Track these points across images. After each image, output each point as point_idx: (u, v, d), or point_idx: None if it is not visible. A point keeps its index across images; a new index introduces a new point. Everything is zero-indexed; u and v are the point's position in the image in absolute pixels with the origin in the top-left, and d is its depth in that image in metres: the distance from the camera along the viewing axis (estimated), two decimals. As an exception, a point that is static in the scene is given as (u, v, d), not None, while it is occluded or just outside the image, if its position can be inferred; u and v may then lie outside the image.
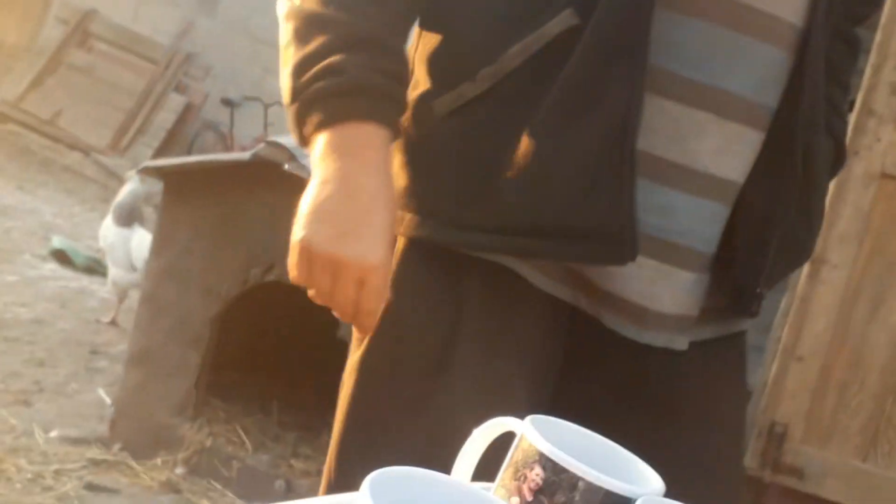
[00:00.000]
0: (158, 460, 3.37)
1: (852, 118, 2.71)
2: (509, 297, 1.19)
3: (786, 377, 2.70)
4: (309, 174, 3.32)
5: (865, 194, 2.66)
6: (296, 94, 1.13)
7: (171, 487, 3.25)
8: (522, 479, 0.75)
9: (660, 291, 1.16)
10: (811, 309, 2.68)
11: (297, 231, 1.13)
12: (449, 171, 1.17)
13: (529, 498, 0.75)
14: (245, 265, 3.25)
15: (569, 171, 1.10)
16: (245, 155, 3.19)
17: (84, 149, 8.63)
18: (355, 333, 1.26)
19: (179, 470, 3.34)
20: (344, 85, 1.09)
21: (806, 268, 2.69)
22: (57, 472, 3.14)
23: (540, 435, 0.75)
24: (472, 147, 1.15)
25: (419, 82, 1.20)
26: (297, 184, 3.28)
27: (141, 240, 4.49)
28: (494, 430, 0.83)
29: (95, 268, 5.61)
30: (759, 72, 1.16)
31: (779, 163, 1.18)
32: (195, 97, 9.11)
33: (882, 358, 2.64)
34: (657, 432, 1.19)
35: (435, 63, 1.18)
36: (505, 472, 0.77)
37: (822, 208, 1.29)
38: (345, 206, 1.10)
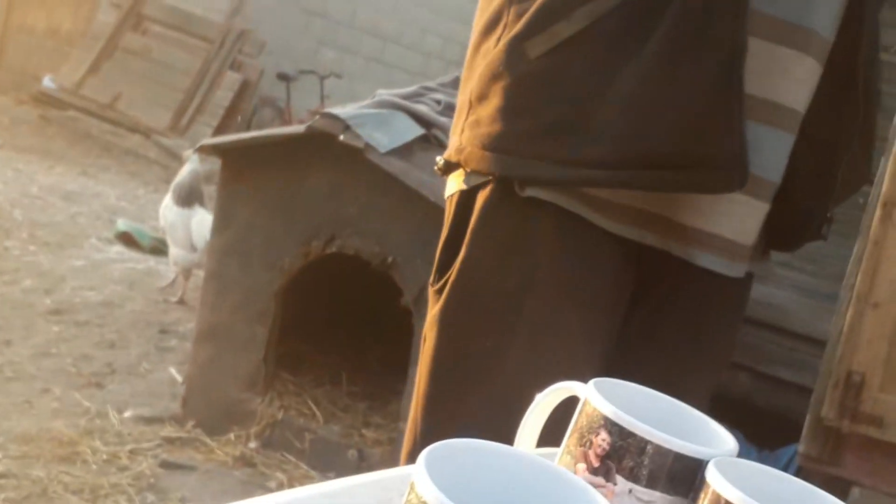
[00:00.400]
0: (231, 435, 3.40)
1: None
2: (581, 246, 1.22)
3: (861, 325, 2.63)
4: (364, 144, 3.33)
5: (937, 131, 2.57)
6: None
7: (245, 462, 3.28)
8: (588, 444, 0.73)
9: (747, 225, 1.21)
10: (885, 254, 2.60)
11: None
12: (547, 110, 1.18)
13: (596, 464, 0.72)
14: (306, 238, 3.25)
15: (682, 102, 1.12)
16: (300, 128, 3.18)
17: (144, 131, 8.72)
18: (432, 288, 1.30)
19: (253, 444, 3.37)
20: None
21: (878, 211, 2.61)
22: (132, 452, 3.18)
23: (604, 398, 0.73)
24: (571, 86, 1.17)
25: (509, 25, 1.21)
26: (353, 154, 3.30)
27: (201, 220, 4.54)
28: (557, 396, 0.81)
29: (161, 248, 5.67)
30: (829, 8, 1.20)
31: (843, 95, 1.22)
32: (251, 73, 9.15)
33: (960, 300, 2.56)
34: (681, 345, 1.32)
35: (524, 5, 1.20)
36: (570, 439, 0.75)
37: (875, 136, 1.34)
38: None
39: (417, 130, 3.25)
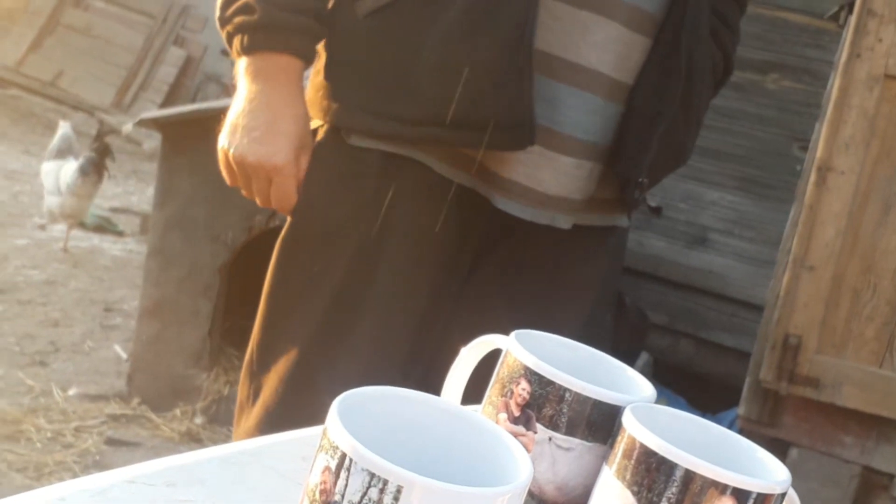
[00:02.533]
0: (177, 411, 3.38)
1: (853, 20, 2.66)
2: (403, 180, 1.32)
3: (798, 288, 2.67)
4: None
5: (870, 97, 2.61)
6: (222, 23, 1.32)
7: (191, 437, 3.27)
8: (509, 394, 0.74)
9: (542, 174, 1.29)
10: (819, 217, 2.64)
11: (220, 140, 1.35)
12: (371, 66, 1.29)
13: (517, 413, 0.73)
14: (249, 212, 3.23)
15: (477, 69, 1.21)
16: (240, 100, 3.16)
17: (87, 109, 8.60)
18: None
19: (199, 419, 3.36)
20: (256, 22, 1.27)
21: (812, 175, 2.65)
22: (77, 430, 3.16)
23: (525, 349, 0.74)
24: (391, 45, 1.27)
25: None
26: (294, 125, 3.24)
27: (67, 168, 5.02)
28: (481, 349, 0.82)
29: (106, 226, 5.62)
30: None
31: (665, 66, 1.30)
32: (194, 50, 9.05)
33: (894, 262, 2.61)
34: (534, 298, 1.40)
35: None
36: (492, 389, 0.76)
37: (702, 114, 1.43)
38: (255, 118, 1.29)
39: (359, 102, 3.24)
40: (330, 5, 1.33)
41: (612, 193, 1.39)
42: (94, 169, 5.04)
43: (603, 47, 1.27)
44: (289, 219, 1.38)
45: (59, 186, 5.00)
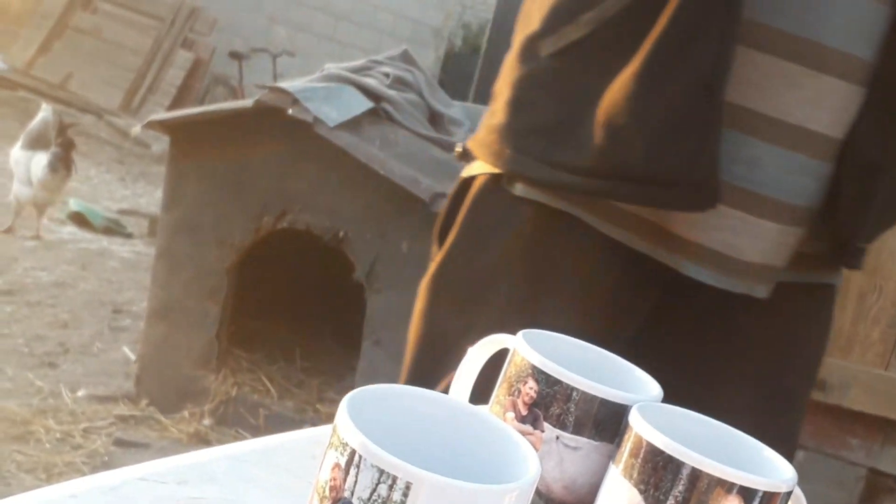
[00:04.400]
0: (186, 413, 3.39)
1: None
2: (564, 240, 1.23)
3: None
4: (313, 119, 3.31)
5: None
6: None
7: (199, 439, 3.28)
8: (517, 393, 0.74)
9: (743, 241, 1.17)
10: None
11: None
12: (546, 109, 1.20)
13: (524, 412, 0.74)
14: (256, 214, 3.24)
15: (657, 119, 1.12)
16: (248, 102, 3.17)
17: (96, 111, 8.62)
18: (432, 254, 1.34)
19: (207, 421, 3.37)
20: None
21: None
22: (86, 431, 3.17)
23: (532, 348, 0.74)
24: (569, 88, 1.18)
25: (531, 21, 1.23)
26: (303, 128, 3.30)
27: (38, 161, 5.16)
28: (489, 348, 0.82)
29: (114, 228, 5.64)
30: (855, 24, 1.14)
31: (885, 117, 1.16)
32: (202, 52, 9.07)
33: (901, 265, 2.61)
34: (733, 370, 1.27)
35: (545, 4, 1.21)
36: (499, 388, 0.76)
37: None
38: None
39: (366, 104, 3.25)
40: (519, 43, 1.24)
41: (821, 248, 1.25)
42: (63, 164, 5.18)
43: (815, 103, 1.14)
44: (435, 261, 1.30)
45: (30, 178, 5.14)
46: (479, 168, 1.27)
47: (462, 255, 1.27)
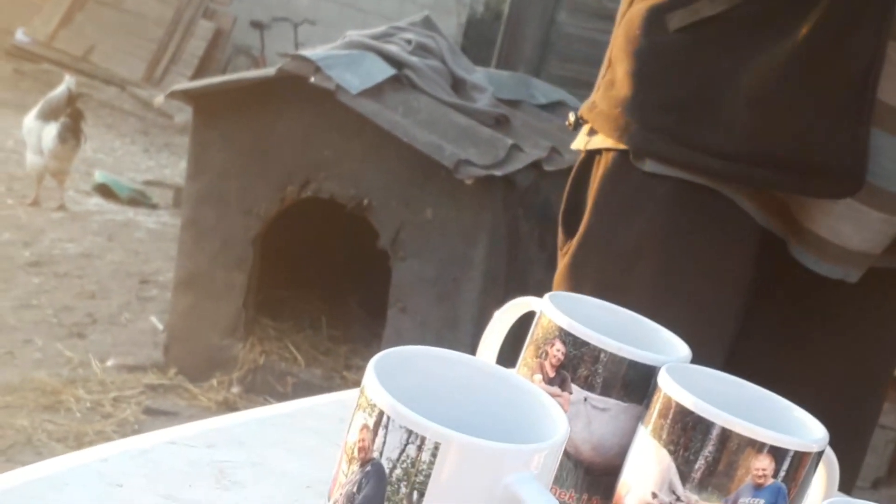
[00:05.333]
0: (214, 381, 3.42)
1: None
2: (700, 215, 1.19)
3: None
4: (335, 86, 3.29)
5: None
6: None
7: (228, 406, 3.30)
8: (544, 355, 0.74)
9: (845, 227, 1.15)
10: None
11: None
12: (677, 86, 1.16)
13: (552, 374, 0.74)
14: (281, 183, 3.24)
15: (813, 107, 1.09)
16: (270, 71, 3.17)
17: (119, 83, 8.64)
18: (560, 252, 1.28)
19: (235, 389, 3.40)
20: None
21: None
22: (115, 400, 3.20)
23: (559, 310, 0.74)
24: (702, 66, 1.14)
25: None
26: (325, 96, 3.29)
27: (49, 131, 5.22)
28: (515, 311, 0.82)
29: (139, 199, 5.66)
30: None
31: None
32: (224, 22, 9.06)
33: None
34: (821, 349, 1.25)
35: None
36: (526, 351, 0.76)
37: None
38: None
39: (388, 71, 3.23)
40: (642, 12, 1.19)
41: None
42: (72, 134, 5.24)
43: None
44: (572, 246, 1.25)
45: (41, 148, 5.20)
46: (602, 142, 1.23)
47: (600, 238, 1.23)
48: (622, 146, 1.19)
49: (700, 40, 1.14)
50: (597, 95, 1.24)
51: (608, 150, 1.22)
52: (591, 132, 1.25)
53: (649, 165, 1.18)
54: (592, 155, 1.25)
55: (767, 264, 1.22)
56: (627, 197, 1.21)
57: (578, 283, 1.23)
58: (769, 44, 1.10)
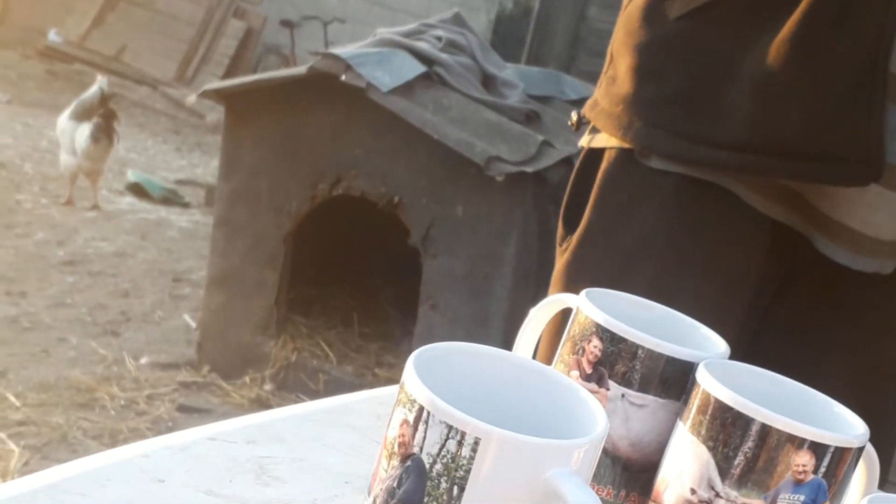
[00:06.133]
0: (247, 378, 3.44)
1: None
2: (705, 213, 1.15)
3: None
4: (366, 84, 3.28)
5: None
6: None
7: (261, 404, 3.32)
8: (581, 352, 0.74)
9: (878, 217, 1.10)
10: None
11: None
12: (679, 78, 1.12)
13: (589, 370, 0.73)
14: (312, 181, 3.26)
15: (817, 90, 1.04)
16: (301, 69, 3.18)
17: (151, 83, 8.70)
18: (559, 248, 1.25)
19: (268, 386, 3.41)
20: None
21: None
22: (149, 397, 3.22)
23: (596, 307, 0.74)
24: (704, 55, 1.10)
25: None
26: (356, 94, 3.30)
27: (82, 131, 5.27)
28: (551, 308, 0.82)
29: (172, 198, 5.70)
30: None
31: None
32: (254, 21, 9.10)
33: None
34: (865, 346, 1.20)
35: None
36: (563, 347, 0.76)
37: None
38: None
39: (419, 68, 3.23)
40: (641, 3, 1.15)
41: None
42: (105, 134, 5.27)
43: None
44: (573, 243, 1.22)
45: (75, 148, 5.25)
46: (605, 140, 1.19)
47: (601, 235, 1.19)
48: (625, 144, 1.15)
49: (700, 27, 1.10)
50: (599, 93, 1.21)
51: (611, 148, 1.18)
52: (594, 130, 1.22)
53: (654, 162, 1.14)
54: (595, 152, 1.22)
55: (785, 259, 1.18)
56: (629, 194, 1.18)
57: (577, 280, 1.19)
58: (770, 26, 1.05)
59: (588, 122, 1.23)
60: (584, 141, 1.24)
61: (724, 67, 1.08)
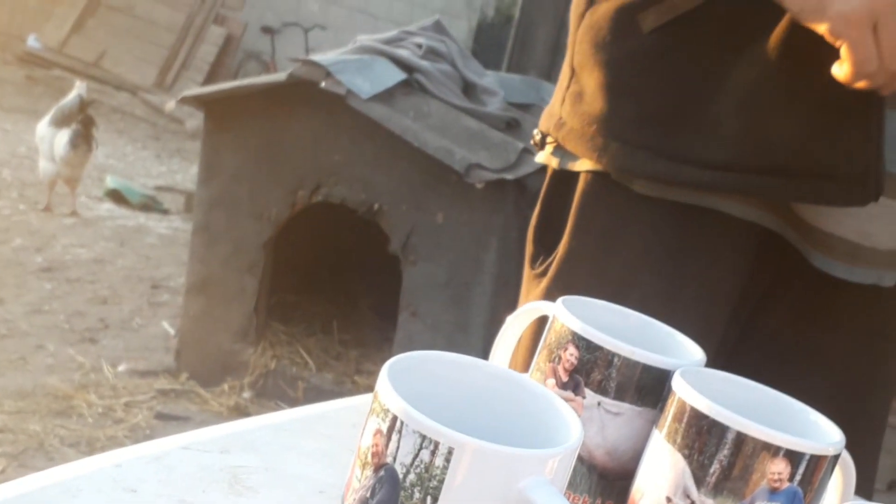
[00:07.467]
0: (225, 386, 3.42)
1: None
2: (690, 236, 1.10)
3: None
4: (346, 91, 3.27)
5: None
6: None
7: (239, 411, 3.30)
8: (557, 360, 0.74)
9: (874, 227, 1.06)
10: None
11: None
12: (656, 93, 1.05)
13: (565, 378, 0.73)
14: (292, 188, 3.25)
15: (808, 106, 0.99)
16: (281, 76, 3.17)
17: (130, 89, 8.67)
18: (531, 271, 1.19)
19: (246, 394, 3.40)
20: None
21: None
22: (127, 405, 3.21)
23: (572, 314, 0.74)
24: (684, 69, 1.04)
25: None
26: (336, 101, 3.29)
27: (61, 138, 5.25)
28: (528, 316, 0.82)
29: (151, 205, 5.68)
30: None
31: None
32: (234, 28, 9.09)
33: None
34: (849, 357, 1.17)
35: None
36: (539, 355, 0.76)
37: None
38: None
39: (399, 75, 3.23)
40: (608, 14, 1.08)
41: None
42: (83, 140, 5.26)
43: None
44: (553, 268, 1.15)
45: (53, 155, 5.23)
46: (577, 163, 1.13)
47: (586, 262, 1.13)
48: (600, 167, 1.09)
49: (678, 40, 1.04)
50: (563, 110, 1.14)
51: (586, 171, 1.12)
52: (559, 150, 1.16)
53: (639, 187, 1.09)
54: (567, 173, 1.16)
55: (769, 270, 1.14)
56: (610, 219, 1.12)
57: None
58: (755, 37, 1.00)
59: (551, 143, 1.17)
60: (551, 161, 1.18)
61: (707, 83, 1.03)
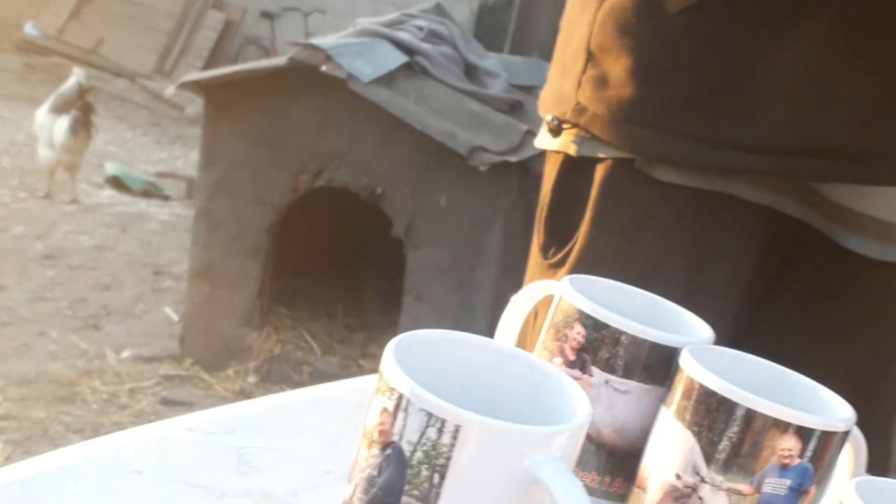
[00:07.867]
0: (230, 371, 3.42)
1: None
2: (714, 225, 1.07)
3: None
4: (347, 75, 3.24)
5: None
6: None
7: (244, 396, 3.31)
8: (564, 339, 0.73)
9: None
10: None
11: None
12: (690, 78, 1.01)
13: (572, 357, 0.73)
14: (294, 172, 3.24)
15: (862, 84, 0.96)
16: (281, 60, 3.16)
17: (129, 75, 8.65)
18: (545, 260, 1.16)
19: (251, 378, 3.40)
20: None
21: None
22: (132, 391, 3.21)
23: (578, 293, 0.73)
24: (721, 49, 0.99)
25: None
26: (337, 85, 3.28)
27: (60, 125, 5.26)
28: (534, 295, 0.81)
29: (152, 191, 5.67)
30: None
31: None
32: (233, 13, 9.06)
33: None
34: (848, 328, 1.15)
35: None
36: (546, 334, 0.75)
37: None
38: None
39: (400, 58, 3.22)
40: None
41: None
42: (83, 127, 5.27)
43: None
44: (573, 258, 1.12)
45: (53, 142, 5.24)
46: (594, 149, 1.09)
47: (609, 252, 1.09)
48: (629, 154, 1.05)
49: (712, 20, 0.99)
50: (580, 95, 1.09)
51: (608, 158, 1.08)
52: (579, 136, 1.11)
53: (660, 173, 1.05)
54: (582, 160, 1.11)
55: (783, 250, 1.12)
56: (635, 209, 1.09)
57: None
58: (801, 13, 0.96)
59: (570, 128, 1.12)
60: (568, 148, 1.13)
61: (746, 62, 0.98)
